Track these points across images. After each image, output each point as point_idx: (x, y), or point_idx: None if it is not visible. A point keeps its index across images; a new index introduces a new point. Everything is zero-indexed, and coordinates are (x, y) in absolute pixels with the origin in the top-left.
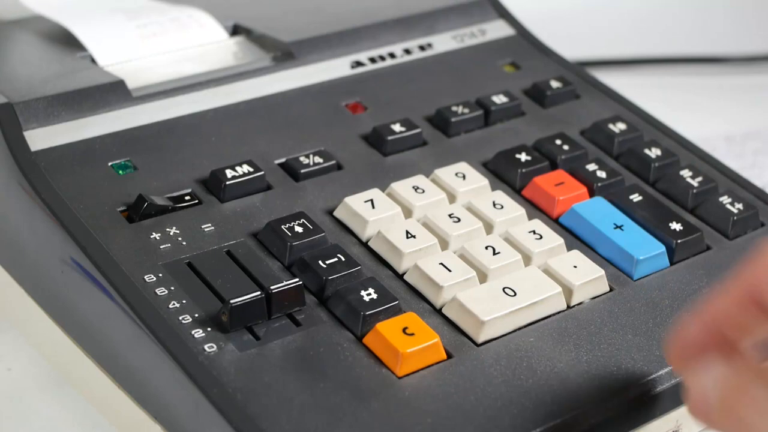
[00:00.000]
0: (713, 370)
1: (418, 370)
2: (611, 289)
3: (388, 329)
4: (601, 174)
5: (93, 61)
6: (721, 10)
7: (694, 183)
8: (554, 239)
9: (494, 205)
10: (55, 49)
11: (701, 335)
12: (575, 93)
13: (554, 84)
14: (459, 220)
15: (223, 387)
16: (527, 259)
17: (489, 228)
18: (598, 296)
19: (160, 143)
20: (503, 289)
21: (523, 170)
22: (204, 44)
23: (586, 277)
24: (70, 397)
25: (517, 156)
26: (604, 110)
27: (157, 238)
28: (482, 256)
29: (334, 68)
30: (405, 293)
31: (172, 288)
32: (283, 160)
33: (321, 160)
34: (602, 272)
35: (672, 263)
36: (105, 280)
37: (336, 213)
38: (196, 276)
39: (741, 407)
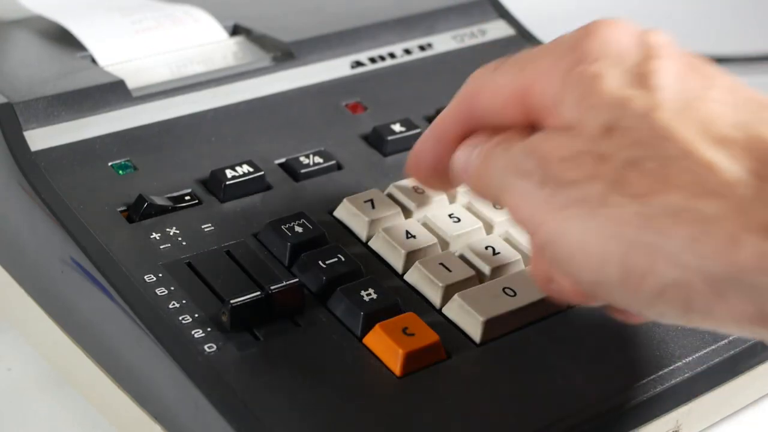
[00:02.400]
0: (472, 148)
1: (418, 370)
2: None
3: (388, 329)
4: None
5: (93, 61)
6: (721, 10)
7: None
8: None
9: (494, 205)
10: (55, 49)
11: (432, 149)
12: None
13: None
14: (459, 220)
15: (223, 387)
16: (527, 259)
17: (489, 228)
18: None
19: (160, 143)
20: (503, 289)
21: None
22: (204, 44)
23: None
24: (70, 397)
25: None
26: None
27: (157, 238)
28: (482, 256)
29: (334, 68)
30: (405, 293)
31: (172, 288)
32: (283, 160)
33: (321, 160)
34: None
35: None
36: (105, 280)
37: (336, 213)
38: (196, 276)
39: (488, 167)
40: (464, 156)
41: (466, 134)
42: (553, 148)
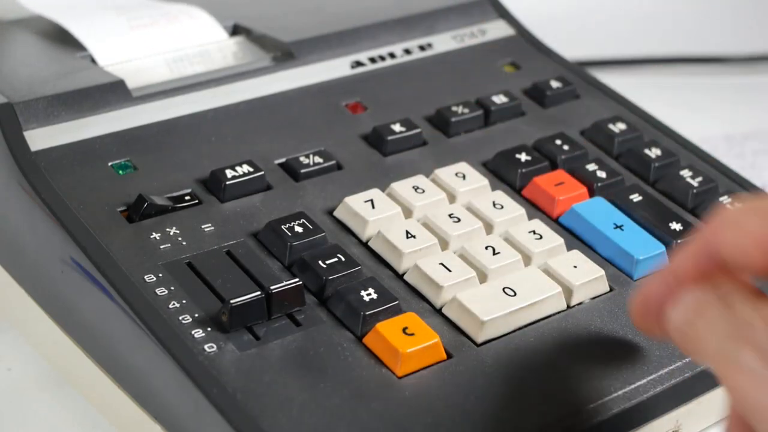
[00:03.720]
0: (684, 297)
1: (418, 370)
2: (611, 289)
3: (388, 329)
4: (601, 174)
5: (93, 61)
6: (721, 10)
7: (694, 183)
8: (554, 239)
9: (494, 205)
10: (55, 49)
11: (661, 289)
12: (575, 93)
13: (554, 84)
14: (459, 220)
15: (223, 387)
16: (527, 259)
17: (489, 228)
18: (598, 296)
19: (160, 143)
20: (503, 289)
21: (523, 170)
22: (204, 44)
23: (586, 277)
24: (70, 397)
25: (517, 156)
26: (604, 110)
27: (157, 238)
28: (482, 256)
29: (334, 68)
30: (405, 293)
31: (172, 288)
32: (283, 160)
33: (321, 160)
34: (602, 272)
35: None
36: (105, 280)
37: (336, 213)
38: (196, 276)
39: (699, 324)
40: (682, 313)
41: (700, 274)
42: None
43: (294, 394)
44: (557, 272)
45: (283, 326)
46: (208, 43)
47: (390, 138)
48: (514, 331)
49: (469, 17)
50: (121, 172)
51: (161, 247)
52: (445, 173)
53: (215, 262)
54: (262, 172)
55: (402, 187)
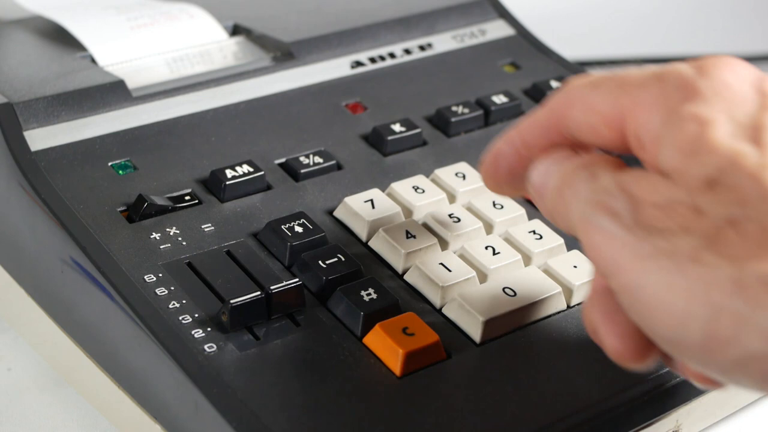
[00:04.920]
0: (552, 164)
1: (418, 370)
2: None
3: (388, 329)
4: None
5: (93, 61)
6: (721, 10)
7: None
8: (554, 239)
9: (494, 205)
10: (55, 49)
11: (511, 154)
12: None
13: (554, 84)
14: (459, 220)
15: (223, 387)
16: (527, 259)
17: (489, 228)
18: None
19: (160, 143)
20: (503, 289)
21: None
22: (204, 44)
23: (586, 277)
24: (70, 397)
25: None
26: None
27: (157, 238)
28: (482, 256)
29: (334, 68)
30: (405, 293)
31: (172, 288)
32: (283, 160)
33: (321, 160)
34: None
35: None
36: (105, 280)
37: (336, 213)
38: (196, 276)
39: (567, 193)
40: (543, 171)
41: (550, 145)
42: (648, 192)
43: (294, 394)
44: (557, 272)
45: (283, 326)
46: (208, 43)
47: (390, 138)
48: (513, 331)
49: (469, 17)
50: (121, 172)
51: (161, 247)
52: (445, 173)
53: (215, 262)
54: (262, 172)
55: (402, 187)
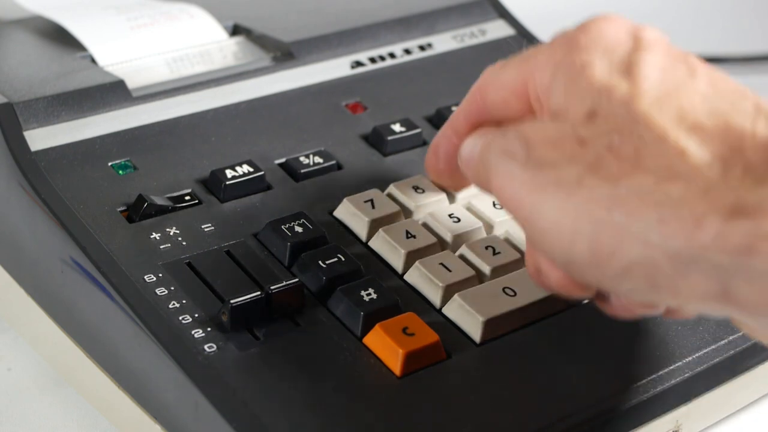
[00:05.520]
0: (476, 137)
1: (418, 370)
2: None
3: (388, 329)
4: None
5: (93, 61)
6: (721, 10)
7: None
8: None
9: (494, 205)
10: (55, 49)
11: (444, 141)
12: None
13: None
14: (459, 220)
15: (223, 387)
16: None
17: (489, 228)
18: None
19: (160, 143)
20: (503, 289)
21: None
22: (204, 44)
23: None
24: (70, 397)
25: None
26: None
27: (157, 238)
28: (482, 256)
29: (334, 68)
30: (405, 293)
31: (172, 288)
32: (283, 160)
33: (321, 160)
34: None
35: None
36: (105, 280)
37: (336, 213)
38: (196, 276)
39: (488, 157)
40: (470, 145)
41: (476, 128)
42: (539, 132)
43: (294, 394)
44: None
45: (283, 326)
46: (208, 43)
47: (390, 138)
48: (513, 331)
49: (469, 17)
50: (121, 172)
51: (161, 247)
52: None
53: (215, 262)
54: (262, 172)
55: (402, 187)
